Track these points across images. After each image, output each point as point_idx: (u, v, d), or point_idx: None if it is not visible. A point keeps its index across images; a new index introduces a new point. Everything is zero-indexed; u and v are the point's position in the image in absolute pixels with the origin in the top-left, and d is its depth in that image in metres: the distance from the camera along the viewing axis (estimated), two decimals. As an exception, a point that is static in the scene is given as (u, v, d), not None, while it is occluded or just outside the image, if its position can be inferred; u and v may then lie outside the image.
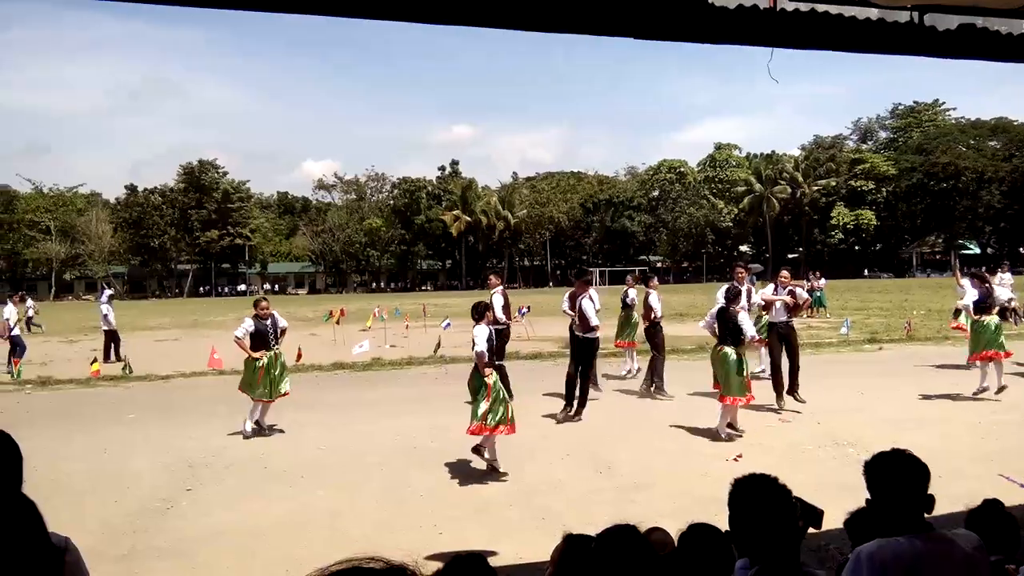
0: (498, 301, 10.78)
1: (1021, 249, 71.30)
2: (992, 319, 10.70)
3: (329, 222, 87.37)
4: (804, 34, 4.10)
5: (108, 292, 20.30)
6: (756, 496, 2.19)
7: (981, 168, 69.58)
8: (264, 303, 9.67)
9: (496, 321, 9.61)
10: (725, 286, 9.61)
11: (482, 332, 7.44)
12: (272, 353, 9.44)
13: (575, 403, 9.86)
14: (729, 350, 8.87)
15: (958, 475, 6.23)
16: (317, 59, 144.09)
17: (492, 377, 7.35)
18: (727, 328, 9.00)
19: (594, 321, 9.87)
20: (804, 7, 3.98)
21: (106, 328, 18.41)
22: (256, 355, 9.27)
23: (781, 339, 10.43)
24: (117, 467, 7.96)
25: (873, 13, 4.19)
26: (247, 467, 7.91)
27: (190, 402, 12.08)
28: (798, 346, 10.68)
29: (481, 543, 5.24)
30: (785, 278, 10.74)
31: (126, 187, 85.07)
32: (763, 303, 10.97)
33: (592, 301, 10.01)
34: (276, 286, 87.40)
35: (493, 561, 2.44)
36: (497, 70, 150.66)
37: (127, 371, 14.85)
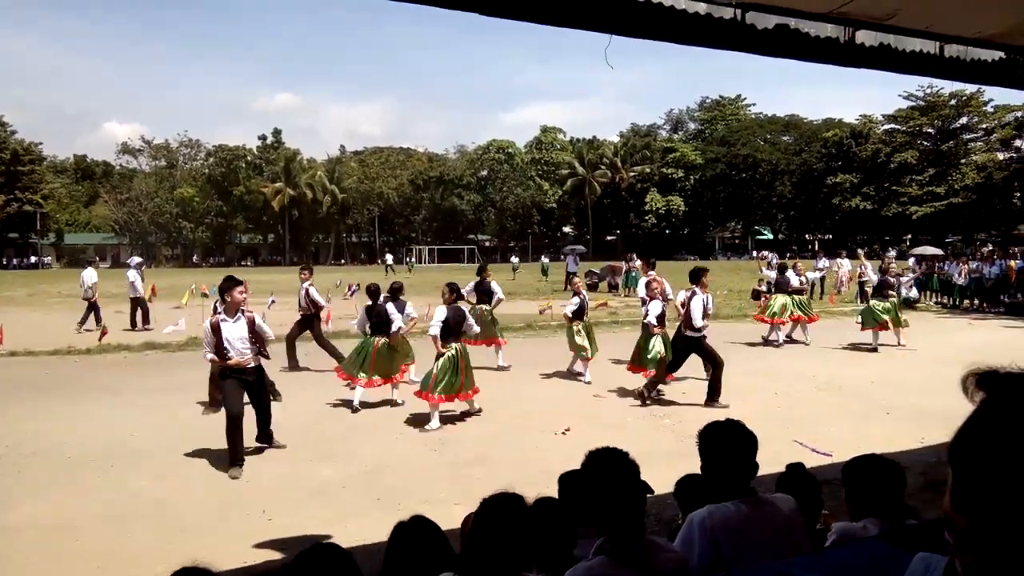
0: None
1: (808, 236, 79.44)
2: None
3: (135, 190, 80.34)
4: (640, 23, 4.25)
5: (137, 259, 19.53)
6: (609, 468, 2.26)
7: (775, 161, 76.45)
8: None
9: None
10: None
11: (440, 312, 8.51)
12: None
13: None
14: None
15: (765, 441, 6.85)
16: (125, 11, 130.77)
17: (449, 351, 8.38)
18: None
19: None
20: (641, -5, 4.14)
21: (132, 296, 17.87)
22: None
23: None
24: None
25: (701, 7, 4.45)
26: (49, 456, 7.19)
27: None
28: None
29: (317, 527, 5.08)
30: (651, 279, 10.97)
31: None
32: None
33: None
34: (70, 259, 79.21)
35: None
36: (325, 37, 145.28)
37: None
